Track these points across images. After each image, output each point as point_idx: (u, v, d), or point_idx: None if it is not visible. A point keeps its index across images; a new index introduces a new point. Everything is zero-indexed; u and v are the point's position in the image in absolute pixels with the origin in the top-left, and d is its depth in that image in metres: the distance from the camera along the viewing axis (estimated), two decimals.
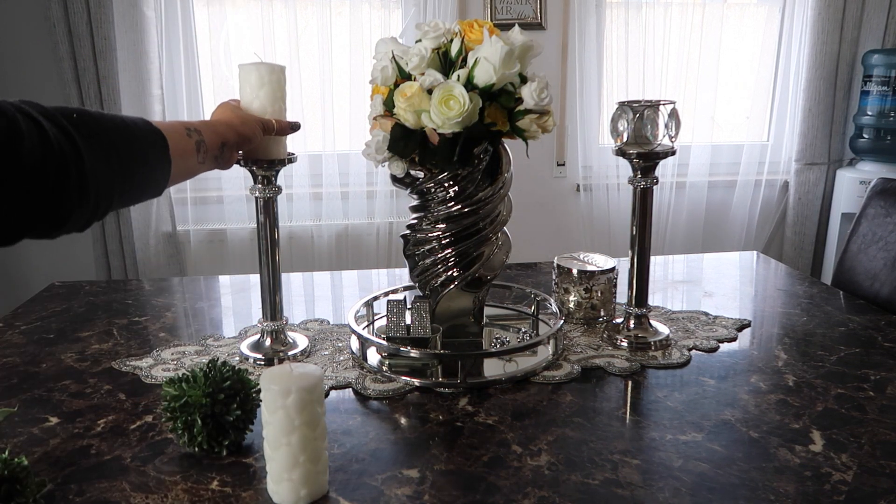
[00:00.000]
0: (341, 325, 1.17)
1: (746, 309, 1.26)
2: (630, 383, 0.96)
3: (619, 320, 1.12)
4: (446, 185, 0.98)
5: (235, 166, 0.96)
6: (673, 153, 1.01)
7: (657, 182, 1.03)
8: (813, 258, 2.91)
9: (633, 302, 1.08)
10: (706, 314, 1.21)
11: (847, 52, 2.71)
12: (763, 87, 2.84)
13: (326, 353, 1.06)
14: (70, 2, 2.24)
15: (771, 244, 2.99)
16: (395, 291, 1.20)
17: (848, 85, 2.76)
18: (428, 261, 1.01)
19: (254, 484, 0.73)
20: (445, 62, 0.95)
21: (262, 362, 1.02)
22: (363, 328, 1.09)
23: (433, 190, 0.99)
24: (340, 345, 1.08)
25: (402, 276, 1.50)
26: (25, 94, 2.49)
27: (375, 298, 1.17)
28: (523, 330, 1.13)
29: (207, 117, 0.93)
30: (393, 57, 0.96)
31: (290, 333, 1.08)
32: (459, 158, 0.93)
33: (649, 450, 0.79)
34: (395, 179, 1.02)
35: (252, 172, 0.99)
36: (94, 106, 2.32)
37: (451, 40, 0.95)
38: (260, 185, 0.99)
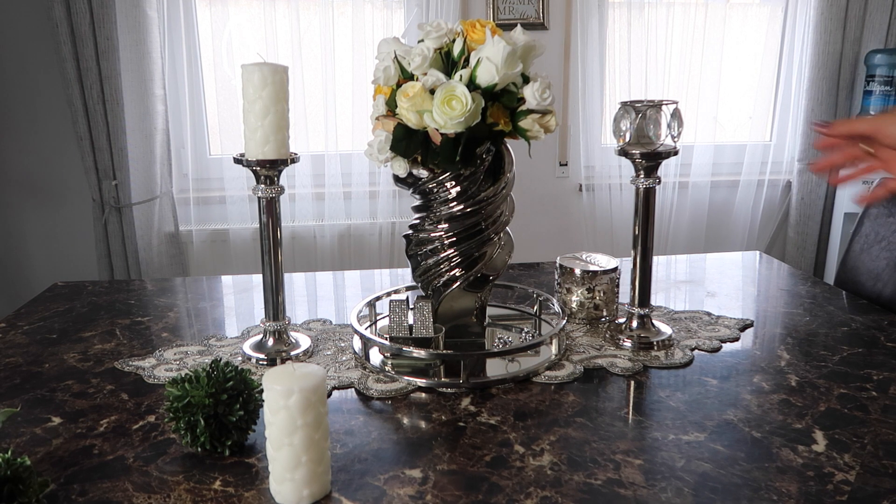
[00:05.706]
0: (344, 326, 1.17)
1: (749, 309, 1.25)
2: (632, 383, 0.96)
3: (622, 320, 1.12)
4: (448, 185, 0.98)
5: (237, 165, 0.96)
6: (675, 153, 1.01)
7: (660, 182, 1.03)
8: (815, 258, 2.91)
9: (636, 302, 1.08)
10: (709, 314, 1.21)
11: (850, 51, 2.71)
12: (766, 87, 2.84)
13: (329, 353, 1.06)
14: (73, 2, 2.24)
15: (773, 244, 2.99)
16: (397, 291, 1.20)
17: (850, 85, 2.76)
18: (430, 261, 1.01)
19: (256, 484, 0.73)
20: (448, 62, 0.95)
21: (265, 362, 1.02)
22: (366, 328, 1.09)
23: (435, 190, 0.99)
24: (343, 345, 1.09)
25: (405, 276, 1.50)
26: (29, 95, 2.50)
27: (378, 298, 1.17)
28: (526, 330, 1.13)
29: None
30: (395, 57, 0.96)
31: (292, 333, 1.08)
32: (462, 158, 0.93)
33: (652, 450, 0.79)
34: (397, 179, 1.02)
35: (255, 172, 0.99)
36: (98, 106, 2.32)
37: (454, 40, 0.95)
38: (262, 185, 0.99)
